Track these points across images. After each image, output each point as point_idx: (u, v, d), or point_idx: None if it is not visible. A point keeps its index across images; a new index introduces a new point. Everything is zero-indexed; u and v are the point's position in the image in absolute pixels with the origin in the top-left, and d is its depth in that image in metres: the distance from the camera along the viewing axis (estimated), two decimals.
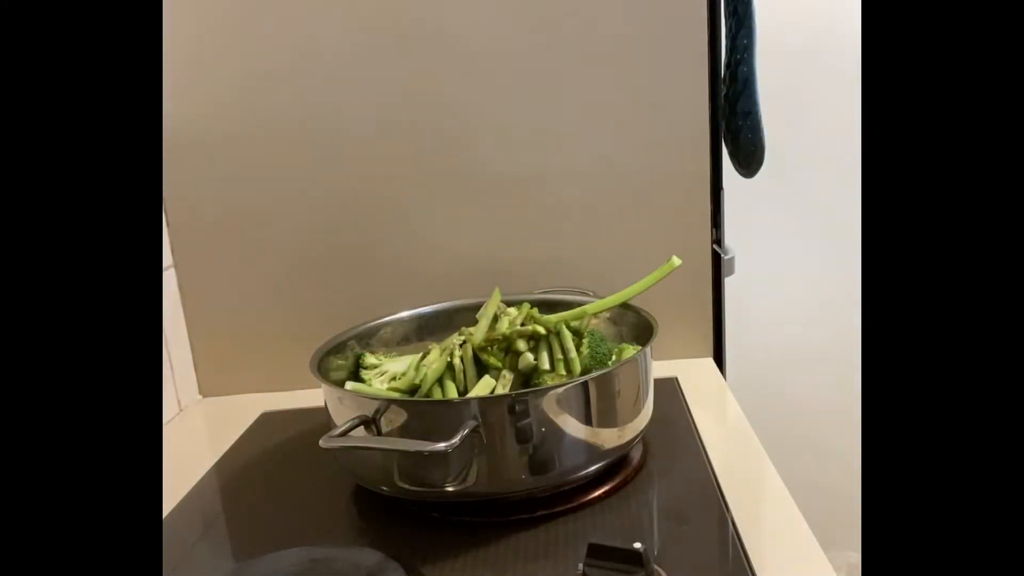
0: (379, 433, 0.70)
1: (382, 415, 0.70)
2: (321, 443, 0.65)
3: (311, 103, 1.01)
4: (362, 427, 0.70)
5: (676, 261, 0.82)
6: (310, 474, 0.86)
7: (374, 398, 0.72)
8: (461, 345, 0.82)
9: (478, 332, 0.83)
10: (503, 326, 0.83)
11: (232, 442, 0.95)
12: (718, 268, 1.06)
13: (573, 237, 1.05)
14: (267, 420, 1.01)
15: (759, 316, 1.72)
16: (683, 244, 1.04)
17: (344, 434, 0.68)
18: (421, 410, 0.71)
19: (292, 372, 1.07)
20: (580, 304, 0.87)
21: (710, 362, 1.07)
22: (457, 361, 0.81)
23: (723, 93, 1.02)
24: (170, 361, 1.05)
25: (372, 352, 0.90)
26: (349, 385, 0.85)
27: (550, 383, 0.76)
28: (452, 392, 0.79)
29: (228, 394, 1.11)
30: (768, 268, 1.73)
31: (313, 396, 1.04)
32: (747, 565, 0.62)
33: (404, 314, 0.94)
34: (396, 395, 0.81)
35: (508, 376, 0.79)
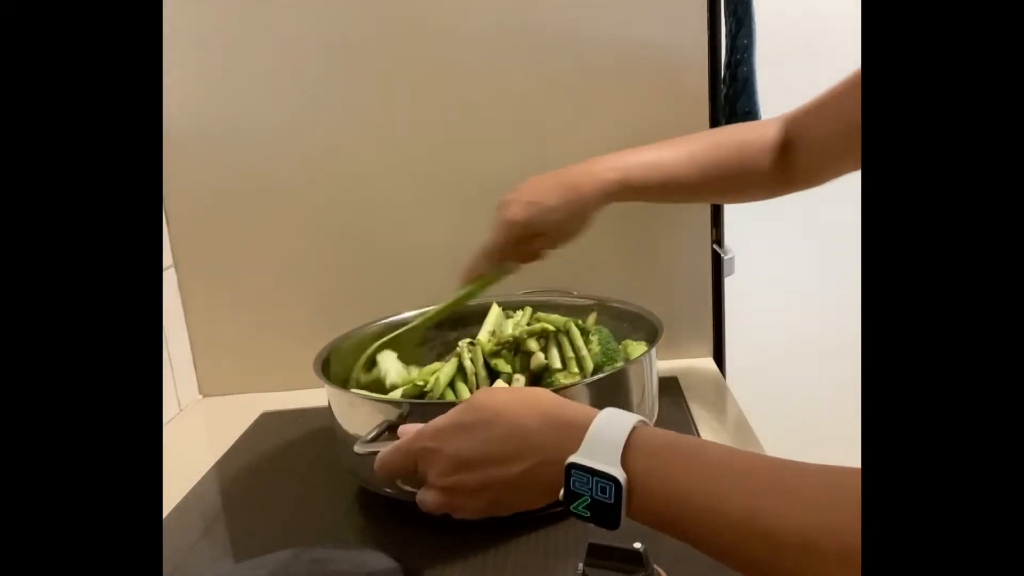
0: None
1: (406, 418, 0.69)
2: (356, 449, 0.64)
3: (311, 105, 1.01)
4: (387, 431, 0.69)
5: (512, 268, 0.83)
6: (310, 474, 0.86)
7: (390, 402, 0.72)
8: (470, 347, 0.82)
9: (484, 336, 0.84)
10: (508, 328, 0.83)
11: (232, 442, 0.95)
12: (718, 268, 1.06)
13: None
14: (267, 420, 1.01)
15: (759, 316, 1.72)
16: (683, 244, 1.04)
17: (375, 439, 0.67)
18: (443, 411, 0.70)
19: (292, 372, 1.07)
20: (563, 303, 0.90)
21: (710, 362, 1.07)
22: (468, 363, 0.80)
23: (723, 93, 1.03)
24: (170, 361, 1.05)
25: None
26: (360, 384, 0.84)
27: (563, 381, 0.77)
28: (465, 394, 0.78)
29: (228, 394, 1.11)
30: (768, 268, 1.73)
31: (313, 396, 1.03)
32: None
33: (404, 314, 0.94)
34: (397, 398, 0.81)
35: (519, 379, 0.79)
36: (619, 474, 0.46)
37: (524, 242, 0.82)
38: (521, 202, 0.80)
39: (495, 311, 0.90)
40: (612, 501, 0.46)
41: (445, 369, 0.80)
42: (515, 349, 0.81)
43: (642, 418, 0.49)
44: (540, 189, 0.81)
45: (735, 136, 0.85)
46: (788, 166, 0.82)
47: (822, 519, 0.41)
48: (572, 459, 0.47)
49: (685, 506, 0.45)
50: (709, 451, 0.48)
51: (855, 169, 0.82)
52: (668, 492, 0.46)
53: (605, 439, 0.47)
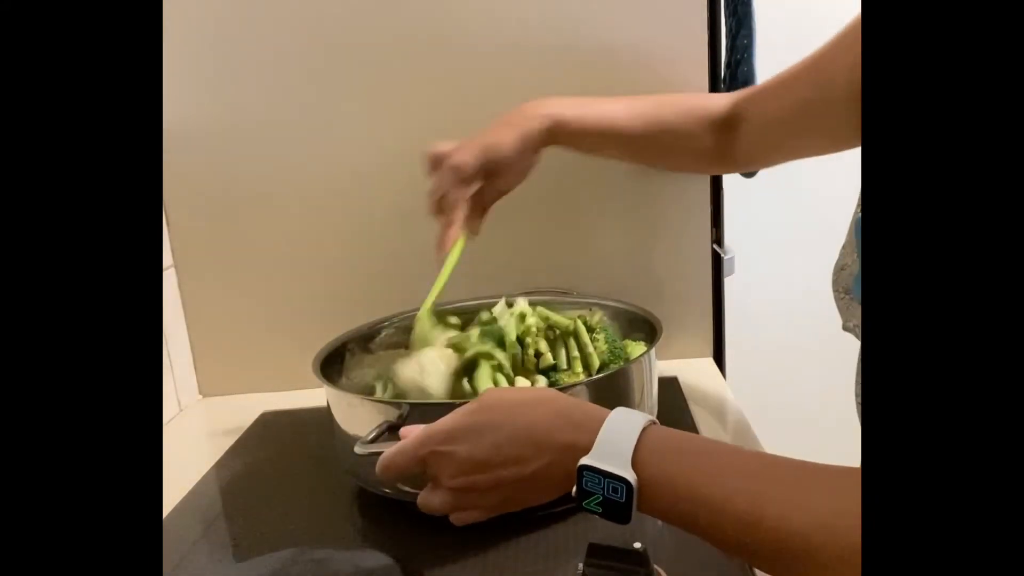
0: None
1: (406, 419, 0.69)
2: (357, 449, 0.64)
3: (312, 106, 1.01)
4: (387, 432, 0.69)
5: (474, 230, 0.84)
6: (310, 474, 0.86)
7: (390, 402, 0.72)
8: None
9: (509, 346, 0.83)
10: (524, 328, 0.82)
11: (232, 442, 0.95)
12: (718, 268, 1.06)
13: (574, 237, 1.04)
14: (267, 420, 1.01)
15: (759, 316, 1.72)
16: (683, 244, 1.04)
17: (375, 440, 0.67)
18: (442, 413, 0.71)
19: (292, 372, 1.07)
20: (563, 303, 0.89)
21: (710, 362, 1.07)
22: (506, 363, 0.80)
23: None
24: (170, 361, 1.05)
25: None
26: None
27: (567, 380, 0.77)
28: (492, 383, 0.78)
29: (228, 394, 1.11)
30: (768, 268, 1.73)
31: (313, 396, 1.03)
32: (747, 564, 0.62)
33: (405, 314, 0.94)
34: (384, 398, 0.81)
35: (541, 379, 0.79)
36: (630, 476, 0.47)
37: (477, 194, 0.82)
38: (467, 147, 0.80)
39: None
40: (623, 500, 0.48)
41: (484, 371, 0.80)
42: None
43: (652, 418, 0.50)
44: (485, 133, 0.81)
45: (683, 101, 0.85)
46: (728, 143, 0.82)
47: (822, 521, 0.42)
48: (584, 461, 0.48)
49: (693, 505, 0.47)
50: (716, 451, 0.49)
51: (793, 158, 0.83)
52: (677, 491, 0.47)
53: (616, 441, 0.48)
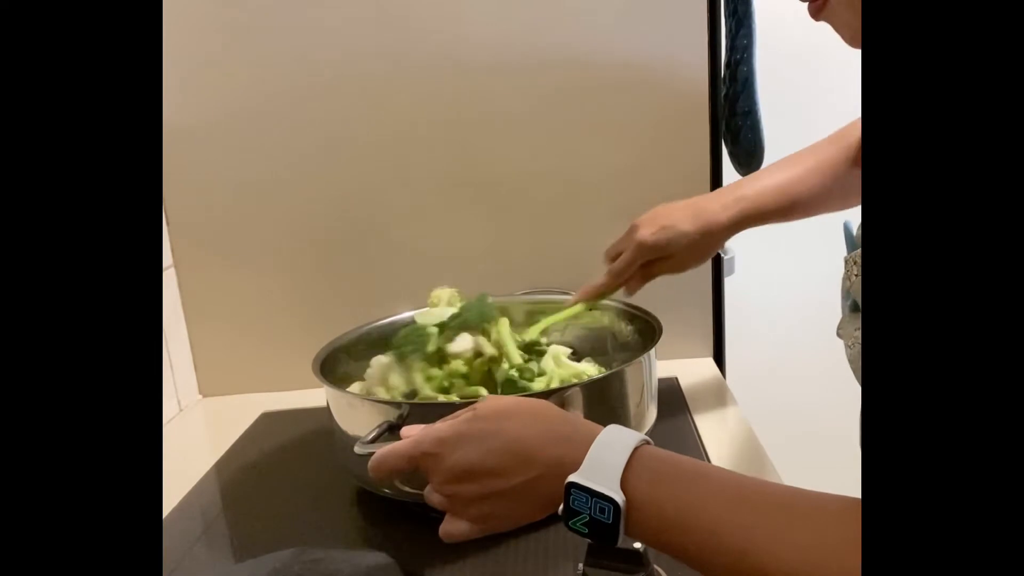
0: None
1: (406, 420, 0.69)
2: (356, 449, 0.64)
3: (312, 106, 1.01)
4: (387, 432, 0.69)
5: (631, 289, 0.85)
6: (310, 475, 0.86)
7: (390, 402, 0.72)
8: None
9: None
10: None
11: (232, 442, 0.95)
12: (718, 268, 1.06)
13: (574, 237, 1.05)
14: (267, 420, 1.01)
15: (759, 316, 1.72)
16: None
17: (375, 440, 0.67)
18: (442, 414, 0.71)
19: (292, 372, 1.07)
20: (560, 304, 0.89)
21: (710, 362, 1.07)
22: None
23: (723, 93, 1.02)
24: (170, 361, 1.05)
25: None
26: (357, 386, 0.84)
27: (534, 387, 0.77)
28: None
29: (228, 394, 1.11)
30: (768, 268, 1.73)
31: (313, 396, 1.03)
32: None
33: (405, 315, 0.94)
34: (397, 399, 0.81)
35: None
36: (618, 497, 0.46)
37: (648, 265, 0.83)
38: (655, 224, 0.81)
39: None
40: (610, 521, 0.46)
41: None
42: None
43: (644, 437, 0.49)
44: (672, 215, 0.81)
45: (840, 137, 0.83)
46: None
47: (811, 562, 0.41)
48: (572, 478, 0.47)
49: (681, 531, 0.46)
50: (708, 477, 0.48)
51: None
52: (665, 517, 0.46)
53: (606, 460, 0.47)
